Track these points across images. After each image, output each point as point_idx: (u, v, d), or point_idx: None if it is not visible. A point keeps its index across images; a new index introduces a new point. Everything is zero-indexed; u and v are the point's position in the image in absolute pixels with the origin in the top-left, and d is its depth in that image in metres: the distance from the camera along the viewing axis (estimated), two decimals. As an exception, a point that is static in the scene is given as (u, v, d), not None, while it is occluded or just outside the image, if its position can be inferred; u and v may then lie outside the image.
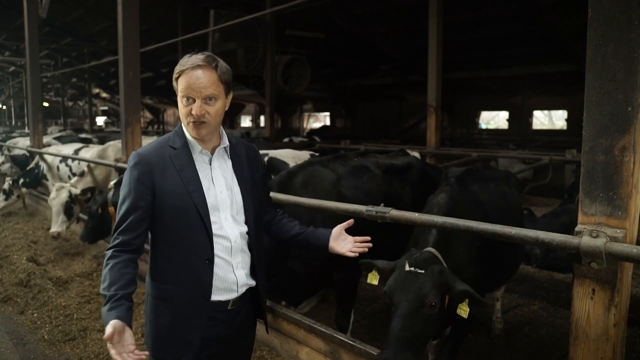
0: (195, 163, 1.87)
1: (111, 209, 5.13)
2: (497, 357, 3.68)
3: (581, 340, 1.93)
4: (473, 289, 2.82)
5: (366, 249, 2.10)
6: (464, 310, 2.22)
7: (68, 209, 6.06)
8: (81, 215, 6.28)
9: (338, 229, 2.12)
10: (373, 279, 2.44)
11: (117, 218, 1.82)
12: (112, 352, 1.61)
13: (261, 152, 5.43)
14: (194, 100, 1.78)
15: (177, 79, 1.82)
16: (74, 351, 3.69)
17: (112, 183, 5.39)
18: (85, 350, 3.68)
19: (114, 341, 1.60)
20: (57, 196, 6.07)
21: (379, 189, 3.69)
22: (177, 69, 1.82)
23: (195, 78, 1.77)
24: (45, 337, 3.90)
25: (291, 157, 5.43)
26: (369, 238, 2.12)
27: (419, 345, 2.21)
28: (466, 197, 3.00)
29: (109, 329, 1.60)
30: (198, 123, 1.80)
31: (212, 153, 1.91)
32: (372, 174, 3.77)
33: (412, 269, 2.25)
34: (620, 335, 1.91)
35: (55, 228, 5.98)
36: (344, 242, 2.11)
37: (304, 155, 5.65)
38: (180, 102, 1.81)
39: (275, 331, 3.43)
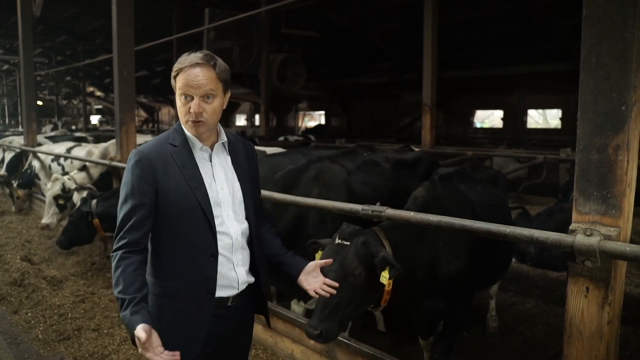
0: (196, 160, 1.88)
1: (96, 220, 5.04)
2: (492, 355, 3.69)
3: (575, 338, 1.94)
4: (463, 285, 2.85)
5: (328, 295, 2.03)
6: (384, 277, 2.37)
7: (60, 202, 6.09)
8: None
9: (313, 265, 2.06)
10: (318, 257, 2.52)
11: (120, 217, 1.81)
12: (148, 355, 1.63)
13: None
14: (192, 98, 1.79)
15: (175, 77, 1.82)
16: (68, 350, 3.68)
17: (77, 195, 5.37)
18: (79, 349, 3.67)
19: (147, 345, 1.62)
20: (51, 188, 6.12)
21: (387, 183, 3.72)
22: (176, 67, 1.82)
23: (193, 76, 1.77)
24: (40, 336, 3.88)
25: None
26: (337, 284, 2.06)
27: (346, 315, 2.35)
28: (451, 195, 3.01)
29: (142, 334, 1.60)
30: (196, 121, 1.80)
31: (212, 149, 1.92)
32: (382, 169, 3.80)
33: (340, 241, 2.43)
34: (614, 333, 1.92)
35: (45, 220, 6.08)
36: (313, 280, 2.04)
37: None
38: (179, 99, 1.82)
39: (270, 330, 3.43)
